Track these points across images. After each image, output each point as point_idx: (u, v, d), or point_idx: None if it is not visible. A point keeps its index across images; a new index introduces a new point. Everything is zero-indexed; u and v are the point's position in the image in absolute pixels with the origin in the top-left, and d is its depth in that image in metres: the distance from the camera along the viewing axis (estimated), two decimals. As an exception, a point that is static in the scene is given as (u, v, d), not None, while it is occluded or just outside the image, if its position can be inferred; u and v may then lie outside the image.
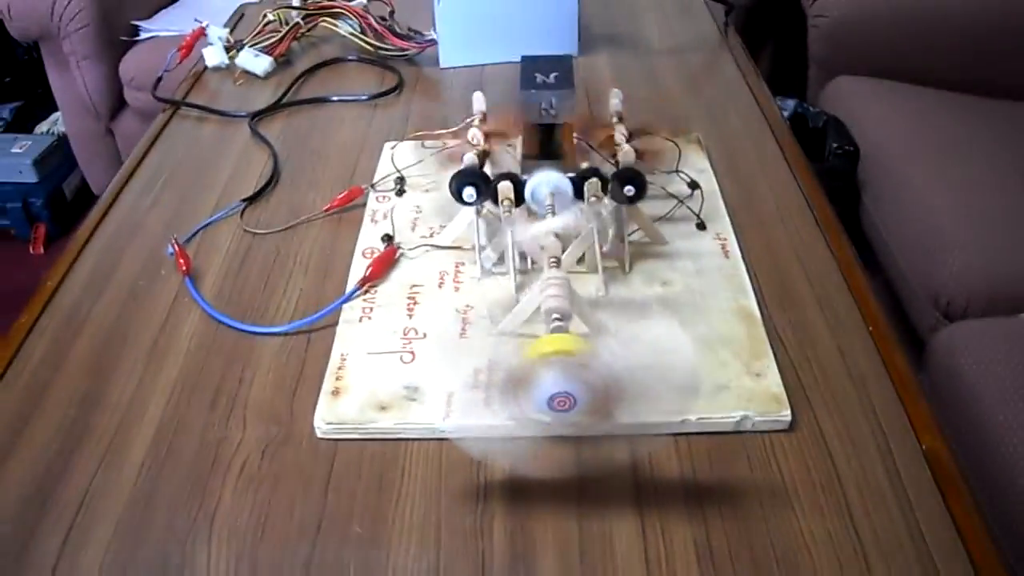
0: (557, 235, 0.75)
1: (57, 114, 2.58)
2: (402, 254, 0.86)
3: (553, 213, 0.76)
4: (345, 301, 0.80)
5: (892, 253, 1.54)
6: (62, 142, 2.53)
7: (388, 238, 0.87)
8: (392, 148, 1.02)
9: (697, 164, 0.98)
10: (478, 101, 0.91)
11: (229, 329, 0.80)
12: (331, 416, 0.69)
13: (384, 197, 0.95)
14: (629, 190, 0.80)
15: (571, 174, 0.79)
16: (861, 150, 1.76)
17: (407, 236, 0.88)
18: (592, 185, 0.78)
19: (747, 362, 0.72)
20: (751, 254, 0.85)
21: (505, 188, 0.79)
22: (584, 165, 0.83)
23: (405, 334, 0.76)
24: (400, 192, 0.95)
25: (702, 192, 0.91)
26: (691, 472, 0.64)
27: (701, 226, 0.88)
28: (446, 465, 0.66)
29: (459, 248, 0.86)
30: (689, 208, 0.90)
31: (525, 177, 0.79)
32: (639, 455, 0.65)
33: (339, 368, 0.73)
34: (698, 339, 0.74)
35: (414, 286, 0.82)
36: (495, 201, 0.80)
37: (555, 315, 0.64)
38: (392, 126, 1.12)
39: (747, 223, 0.90)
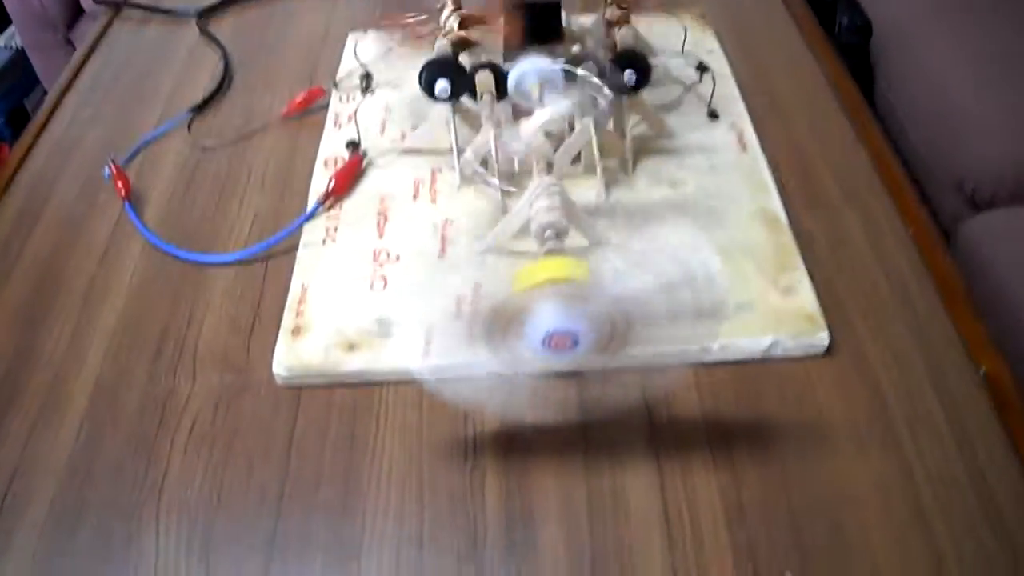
0: (548, 133, 0.64)
1: (12, 27, 2.39)
2: (370, 162, 0.74)
3: (542, 107, 0.64)
4: (305, 220, 0.69)
5: (910, 138, 1.41)
6: (21, 56, 2.35)
7: (353, 145, 0.75)
8: (356, 40, 0.89)
9: (704, 44, 0.85)
10: (451, -21, 0.78)
11: (176, 260, 0.69)
12: (292, 360, 0.59)
13: (348, 97, 0.82)
14: (630, 76, 0.68)
15: (561, 60, 0.67)
16: (873, 25, 1.62)
17: (375, 141, 0.77)
18: (587, 72, 0.66)
19: (774, 276, 0.62)
20: (771, 146, 0.74)
21: (484, 80, 0.67)
22: (576, 49, 0.71)
23: (375, 257, 0.66)
24: (366, 90, 0.83)
25: (713, 76, 0.79)
26: (714, 410, 0.55)
27: (713, 116, 0.77)
28: (428, 413, 0.57)
29: (435, 152, 0.74)
30: (698, 95, 0.78)
31: (508, 66, 0.67)
32: (653, 392, 0.55)
33: (299, 302, 0.63)
34: (716, 250, 0.64)
35: (384, 199, 0.71)
36: (473, 95, 0.68)
37: (549, 231, 0.54)
38: (356, 15, 0.98)
39: (764, 111, 0.78)
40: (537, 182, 0.57)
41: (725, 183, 0.70)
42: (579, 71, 0.66)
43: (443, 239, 0.67)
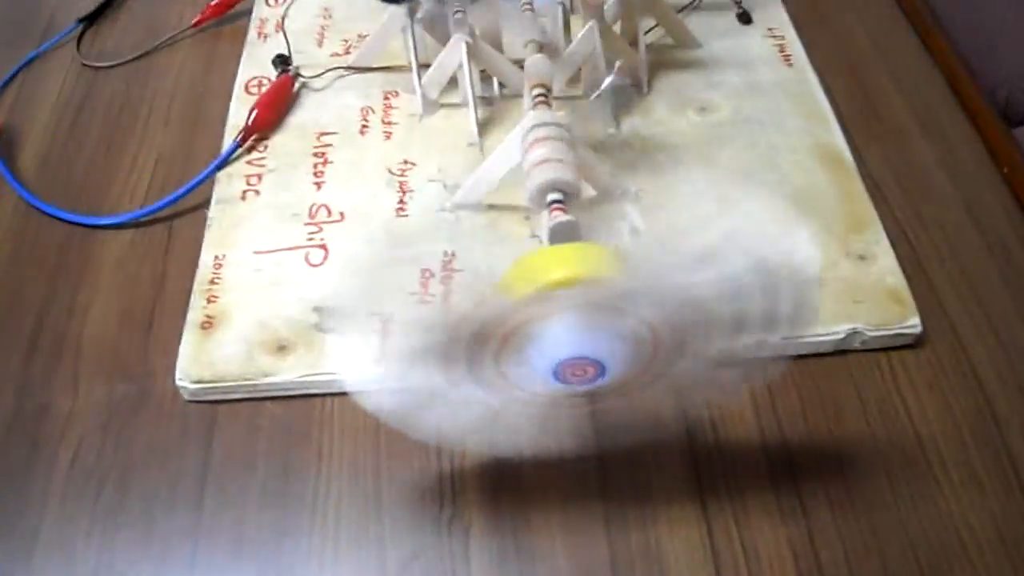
0: (540, 47, 0.48)
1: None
2: (304, 85, 0.57)
3: (531, 10, 0.48)
4: (218, 167, 0.53)
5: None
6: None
7: (282, 61, 0.58)
8: None
9: None
10: None
11: (56, 223, 0.53)
12: (202, 366, 0.43)
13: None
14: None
15: None
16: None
17: (311, 56, 0.59)
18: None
19: (844, 236, 0.47)
20: (820, 59, 0.58)
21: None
22: None
23: (312, 215, 0.50)
24: (299, -12, 0.65)
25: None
26: (775, 429, 0.41)
27: (745, 18, 0.60)
28: (388, 439, 0.42)
29: (389, 70, 0.57)
30: None
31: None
32: (693, 409, 0.41)
33: (211, 282, 0.47)
34: (758, 200, 0.49)
35: (323, 135, 0.54)
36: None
37: (553, 195, 0.38)
38: None
39: (807, 11, 0.62)
40: (530, 118, 0.41)
41: (768, 107, 0.54)
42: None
43: (401, 189, 0.51)
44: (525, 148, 0.40)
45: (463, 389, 0.33)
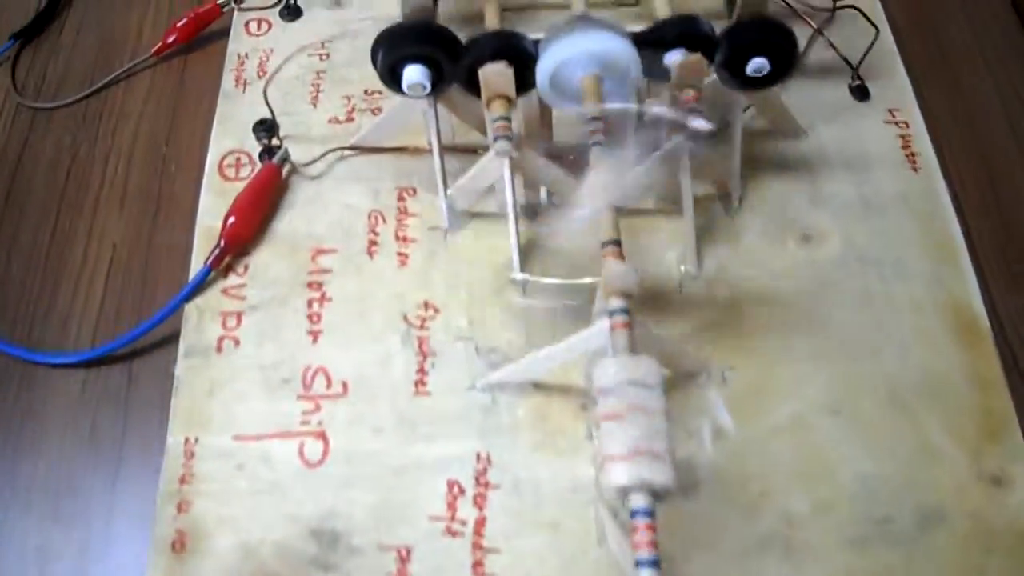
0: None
1: None
2: (292, 171, 0.45)
3: (603, 142, 0.35)
4: (186, 298, 0.41)
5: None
6: None
7: (266, 129, 0.45)
8: None
9: None
10: None
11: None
12: (169, 617, 0.34)
13: (260, 25, 0.51)
14: (758, 66, 0.38)
15: (637, 29, 0.37)
16: None
17: (303, 121, 0.46)
18: (686, 64, 0.36)
19: (975, 446, 0.37)
20: (953, 159, 0.46)
21: (496, 77, 0.36)
22: (662, 9, 0.40)
23: (307, 383, 0.39)
24: (289, 11, 0.51)
25: (861, 13, 0.48)
26: None
27: (861, 92, 0.47)
28: None
29: (403, 151, 0.45)
30: (832, 46, 0.48)
31: (538, 38, 0.37)
32: None
33: (182, 480, 0.37)
34: (874, 389, 0.38)
35: (320, 253, 0.42)
36: (471, 87, 0.38)
37: (636, 498, 0.28)
38: None
39: (939, 82, 0.49)
40: (608, 370, 0.30)
41: (888, 237, 0.42)
42: (674, 57, 0.37)
43: (421, 350, 0.40)
44: (596, 403, 0.29)
45: None
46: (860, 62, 0.47)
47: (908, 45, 0.49)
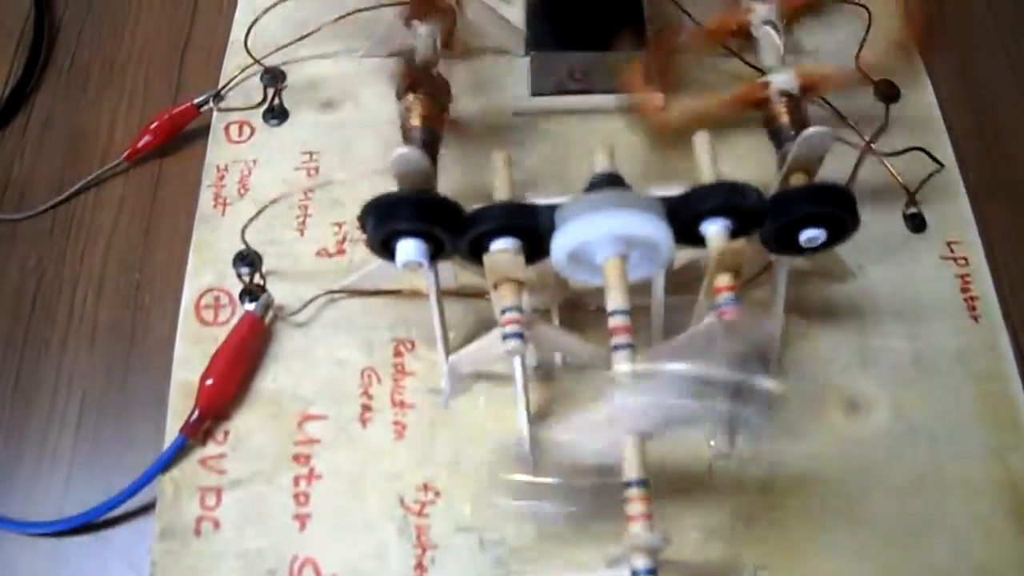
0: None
1: None
2: (277, 316, 0.40)
3: (628, 344, 0.31)
4: (162, 468, 0.37)
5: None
6: None
7: (247, 264, 0.40)
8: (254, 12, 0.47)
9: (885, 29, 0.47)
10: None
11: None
12: None
13: (241, 130, 0.45)
14: (812, 237, 0.33)
15: (670, 193, 0.32)
16: None
17: (288, 253, 0.41)
18: (728, 251, 0.31)
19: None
20: (1018, 301, 0.41)
21: (504, 262, 0.32)
22: (705, 166, 0.34)
23: (294, 580, 0.35)
24: (275, 113, 0.45)
25: (926, 153, 0.42)
26: None
27: (917, 223, 0.42)
28: None
29: (398, 294, 0.40)
30: (886, 165, 0.43)
31: (554, 204, 0.32)
32: None
33: None
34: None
35: (307, 419, 0.38)
36: (478, 262, 0.33)
37: None
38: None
39: (1001, 212, 0.43)
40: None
41: (943, 405, 0.38)
42: (713, 228, 0.32)
43: (420, 542, 0.35)
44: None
45: None
46: (918, 189, 0.41)
47: (971, 170, 0.43)
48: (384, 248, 0.33)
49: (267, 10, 0.44)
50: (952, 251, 0.41)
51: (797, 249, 0.34)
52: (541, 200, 0.32)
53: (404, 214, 0.32)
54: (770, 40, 0.38)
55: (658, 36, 0.44)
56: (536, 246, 0.33)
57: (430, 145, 0.34)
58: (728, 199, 0.32)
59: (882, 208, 0.42)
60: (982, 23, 0.50)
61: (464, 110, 0.44)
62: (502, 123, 0.44)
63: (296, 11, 0.47)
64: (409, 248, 0.32)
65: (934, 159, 0.41)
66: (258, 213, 0.39)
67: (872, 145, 0.42)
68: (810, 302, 0.40)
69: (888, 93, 0.44)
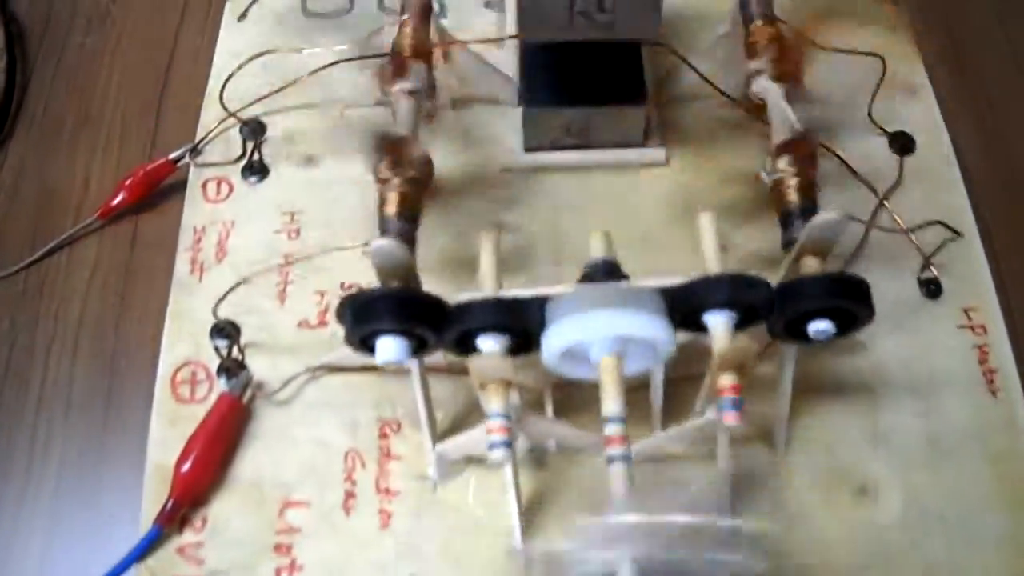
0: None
1: None
2: (256, 395, 0.38)
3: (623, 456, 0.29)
4: (137, 557, 0.35)
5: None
6: None
7: (226, 343, 0.38)
8: (232, 63, 0.45)
9: (903, 77, 0.44)
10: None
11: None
12: None
13: (219, 188, 0.43)
14: (821, 330, 0.31)
15: (670, 284, 0.30)
16: None
17: (268, 324, 0.39)
18: (735, 351, 0.29)
19: None
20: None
21: (491, 368, 0.29)
22: (711, 260, 0.32)
23: None
24: (254, 170, 0.43)
25: (946, 227, 0.40)
26: None
27: (932, 289, 0.39)
28: None
29: (383, 370, 0.38)
30: (899, 223, 0.40)
31: (544, 296, 0.30)
32: None
33: None
34: None
35: (289, 506, 0.36)
36: (465, 354, 0.31)
37: None
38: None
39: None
40: None
41: (957, 486, 0.35)
42: (716, 320, 0.30)
43: (407, 644, 0.34)
44: None
45: None
46: (934, 253, 0.39)
47: (991, 227, 0.41)
48: (363, 345, 0.31)
49: (241, 66, 0.42)
50: (969, 319, 0.39)
51: (805, 339, 0.31)
52: (531, 292, 0.30)
53: (383, 314, 0.30)
54: (780, 111, 0.35)
55: (659, 86, 0.41)
56: (526, 340, 0.31)
57: (409, 231, 0.32)
58: (734, 294, 0.30)
59: (895, 270, 0.40)
60: (1002, 68, 0.48)
61: (451, 165, 0.42)
62: (492, 179, 0.42)
63: (276, 60, 0.45)
64: (389, 347, 0.30)
65: (953, 231, 0.39)
66: (231, 289, 0.37)
67: (886, 202, 0.40)
68: (818, 376, 0.38)
69: (903, 144, 0.42)
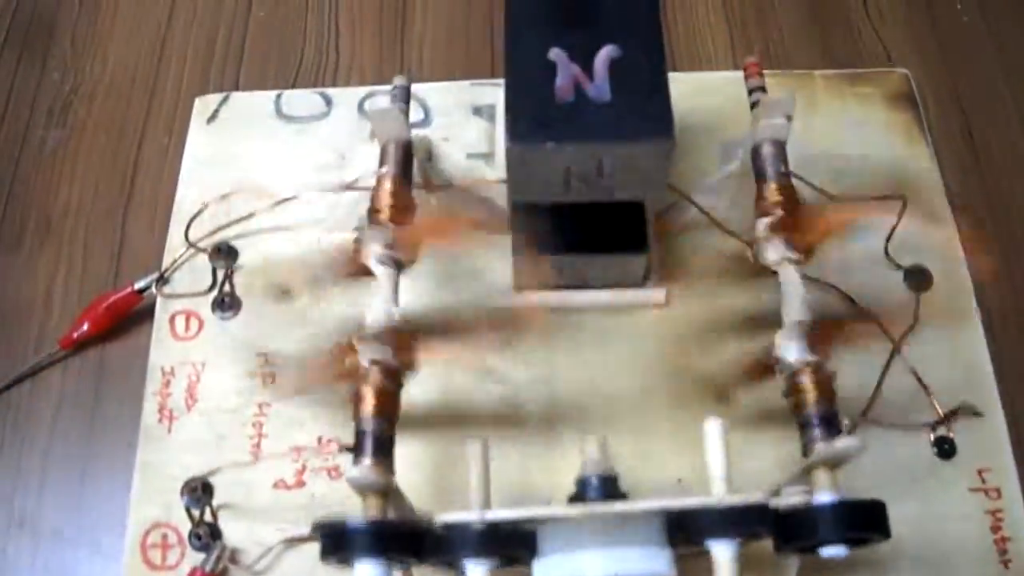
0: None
1: None
2: (227, 570, 0.36)
3: None
4: None
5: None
6: None
7: (196, 504, 0.36)
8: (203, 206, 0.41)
9: (910, 164, 0.42)
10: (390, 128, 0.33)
11: None
12: None
13: (189, 320, 0.40)
14: (834, 554, 0.29)
15: (673, 506, 0.28)
16: None
17: (242, 476, 0.37)
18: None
19: None
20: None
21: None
22: (716, 476, 0.29)
23: None
24: (225, 305, 0.40)
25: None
26: None
27: (946, 449, 0.37)
28: None
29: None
30: (917, 376, 0.38)
31: (535, 520, 0.28)
32: None
33: None
34: None
35: None
36: (449, 568, 0.29)
37: None
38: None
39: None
40: None
41: None
42: (721, 552, 0.27)
43: None
44: None
45: None
46: (950, 415, 0.37)
47: (1009, 392, 0.38)
48: (341, 561, 0.29)
49: (206, 205, 0.39)
50: (983, 480, 0.37)
51: (813, 552, 0.29)
52: (522, 514, 0.28)
53: (357, 547, 0.27)
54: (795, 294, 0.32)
55: (660, 219, 0.38)
56: (516, 561, 0.29)
57: (386, 443, 0.29)
58: (740, 528, 0.27)
59: (904, 435, 0.37)
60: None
61: (434, 303, 0.39)
62: (478, 320, 0.39)
63: (248, 178, 0.41)
64: (368, 571, 0.28)
65: (976, 412, 0.36)
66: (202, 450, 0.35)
67: (901, 350, 0.37)
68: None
69: (919, 281, 0.39)
